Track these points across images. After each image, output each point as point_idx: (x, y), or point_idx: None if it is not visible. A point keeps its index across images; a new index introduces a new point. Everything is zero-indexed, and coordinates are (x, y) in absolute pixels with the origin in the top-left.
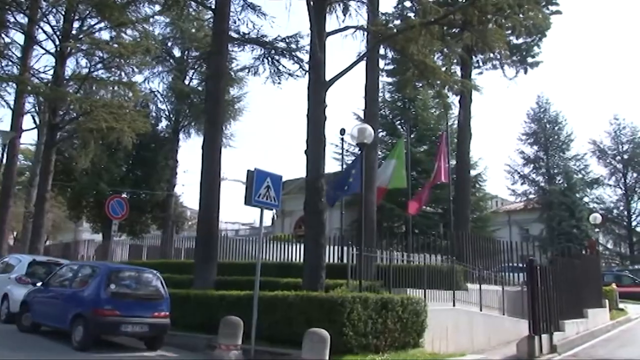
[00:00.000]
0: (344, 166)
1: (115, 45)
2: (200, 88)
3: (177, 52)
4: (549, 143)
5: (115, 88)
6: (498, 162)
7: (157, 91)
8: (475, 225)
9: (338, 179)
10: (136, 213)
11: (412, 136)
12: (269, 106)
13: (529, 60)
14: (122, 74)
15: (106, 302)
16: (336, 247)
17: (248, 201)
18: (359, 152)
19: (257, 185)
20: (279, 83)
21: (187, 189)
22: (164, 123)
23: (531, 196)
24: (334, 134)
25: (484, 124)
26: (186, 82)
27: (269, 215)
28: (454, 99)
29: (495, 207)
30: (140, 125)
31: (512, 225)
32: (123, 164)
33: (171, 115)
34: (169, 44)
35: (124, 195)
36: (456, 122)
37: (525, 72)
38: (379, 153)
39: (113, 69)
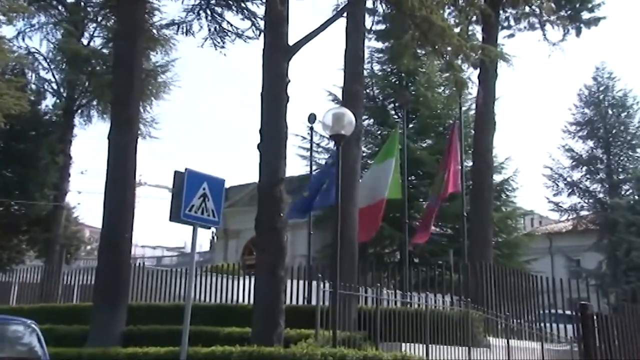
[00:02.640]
0: (314, 167)
1: None
2: (105, 51)
3: None
4: (611, 137)
5: None
6: (534, 164)
7: (38, 52)
8: (500, 254)
9: (305, 186)
10: (3, 233)
11: (410, 126)
12: (209, 80)
13: (585, 15)
14: None
15: None
16: (301, 282)
17: (175, 216)
18: (335, 147)
19: (189, 192)
20: (223, 47)
21: (86, 199)
22: (49, 101)
23: (584, 213)
24: (299, 122)
25: (514, 110)
26: (84, 41)
27: (205, 235)
28: (471, 74)
29: (530, 227)
30: (11, 103)
31: (555, 254)
32: None
33: (61, 90)
34: None
35: None
36: (473, 106)
37: (578, 33)
38: (364, 150)
39: None
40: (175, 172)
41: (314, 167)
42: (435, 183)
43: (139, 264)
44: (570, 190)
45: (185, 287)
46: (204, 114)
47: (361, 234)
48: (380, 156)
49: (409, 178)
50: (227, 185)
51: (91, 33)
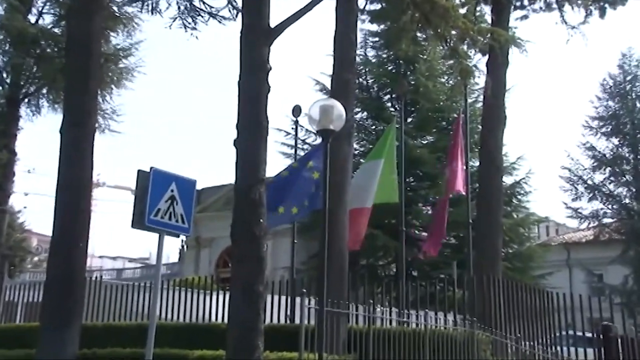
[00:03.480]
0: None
1: None
2: (57, 30)
3: None
4: (639, 133)
5: None
6: (550, 164)
7: None
8: (511, 266)
9: (288, 188)
10: None
11: (408, 120)
12: (179, 68)
13: None
14: None
15: None
16: (283, 298)
17: (138, 222)
18: (322, 144)
19: (155, 195)
20: (194, 28)
21: (34, 201)
22: None
23: (607, 220)
24: (282, 115)
25: (527, 103)
26: (31, 18)
27: (173, 245)
28: (478, 61)
29: (545, 236)
30: None
31: (573, 267)
32: None
33: (4, 75)
34: None
35: None
36: (481, 98)
37: (602, 14)
38: (356, 147)
39: None
40: (139, 171)
41: None
42: (442, 185)
43: (96, 277)
44: (591, 195)
45: (150, 303)
46: (174, 106)
47: (350, 240)
48: (370, 154)
49: (407, 179)
50: (199, 186)
51: (40, 9)
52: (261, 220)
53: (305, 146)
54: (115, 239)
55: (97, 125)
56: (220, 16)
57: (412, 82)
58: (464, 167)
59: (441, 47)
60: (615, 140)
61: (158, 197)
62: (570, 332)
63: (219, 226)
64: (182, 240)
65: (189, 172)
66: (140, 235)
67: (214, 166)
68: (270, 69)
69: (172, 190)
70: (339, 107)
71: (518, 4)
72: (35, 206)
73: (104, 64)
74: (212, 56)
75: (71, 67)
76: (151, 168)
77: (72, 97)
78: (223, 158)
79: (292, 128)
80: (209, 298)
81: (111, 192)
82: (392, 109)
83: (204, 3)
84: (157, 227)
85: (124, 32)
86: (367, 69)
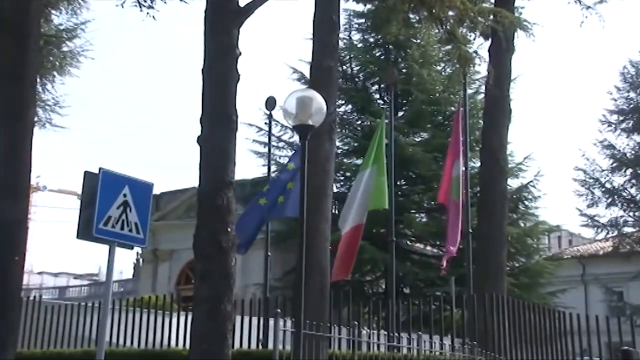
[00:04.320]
0: (274, 168)
1: None
2: None
3: None
4: None
5: None
6: (562, 165)
7: None
8: (517, 283)
9: (261, 193)
10: None
11: (400, 114)
12: (134, 53)
13: None
14: None
15: None
16: (255, 320)
17: (85, 232)
18: (300, 142)
19: (105, 200)
20: (151, 7)
21: None
22: None
23: (628, 230)
24: (254, 108)
25: (536, 95)
26: None
27: (126, 258)
28: (479, 47)
29: (557, 248)
30: None
31: (589, 283)
32: None
33: None
34: None
35: None
36: (483, 89)
37: None
38: (339, 145)
39: None
40: (86, 172)
41: (273, 168)
42: (431, 187)
43: (34, 296)
44: (609, 200)
45: (98, 327)
46: (129, 98)
47: (337, 270)
48: (364, 162)
49: (397, 182)
50: (156, 190)
51: None
52: (229, 230)
53: (281, 144)
54: (57, 252)
55: (36, 118)
56: None
57: (404, 71)
58: (464, 169)
59: (437, 31)
60: (638, 137)
61: (108, 203)
62: (586, 358)
63: (180, 237)
64: (137, 253)
65: (145, 174)
66: (87, 248)
67: (174, 167)
68: (240, 54)
69: (124, 195)
70: (318, 99)
71: None
72: None
73: (44, 46)
74: (172, 40)
75: (4, 51)
76: (100, 169)
77: (5, 86)
78: (185, 158)
79: (266, 123)
80: (168, 320)
81: (53, 197)
82: (380, 101)
83: None
84: (107, 237)
85: (68, 10)
86: (351, 55)
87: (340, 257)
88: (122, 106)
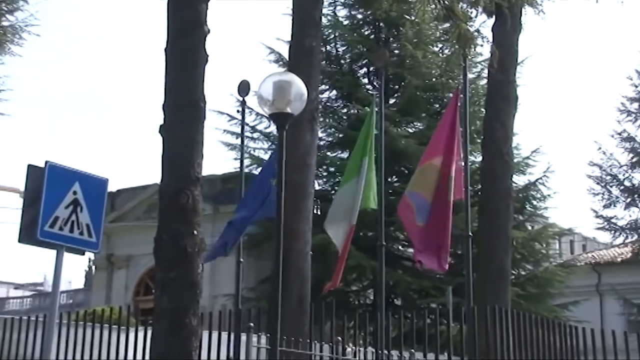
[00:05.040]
0: (247, 162)
1: None
2: None
3: None
4: None
5: None
6: (575, 160)
7: None
8: (523, 293)
9: (233, 191)
10: None
11: (391, 102)
12: (86, 29)
13: None
14: None
15: None
16: (224, 335)
17: (28, 235)
18: (277, 132)
19: (51, 199)
20: None
21: None
22: None
23: None
24: (224, 94)
25: (545, 80)
26: None
27: (77, 265)
28: (482, 25)
29: (569, 254)
30: None
31: (605, 294)
32: None
33: None
34: None
35: None
36: (485, 73)
37: None
38: (322, 136)
39: None
40: (30, 166)
41: (246, 162)
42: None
43: None
44: (628, 200)
45: (43, 343)
46: (81, 82)
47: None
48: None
49: (388, 179)
50: (112, 187)
51: None
52: (195, 233)
53: (255, 134)
54: None
55: None
56: None
57: (396, 52)
58: (462, 164)
59: (433, 6)
60: None
61: (56, 202)
62: None
63: (139, 240)
64: (89, 260)
65: (99, 168)
66: (30, 253)
67: (133, 161)
68: (208, 31)
69: (74, 193)
70: (298, 84)
71: None
72: None
73: None
74: (131, 15)
75: None
76: (46, 163)
77: None
78: (146, 150)
79: (238, 111)
80: (124, 336)
81: None
82: (369, 87)
83: None
84: (54, 241)
85: None
86: (336, 34)
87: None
88: (74, 91)
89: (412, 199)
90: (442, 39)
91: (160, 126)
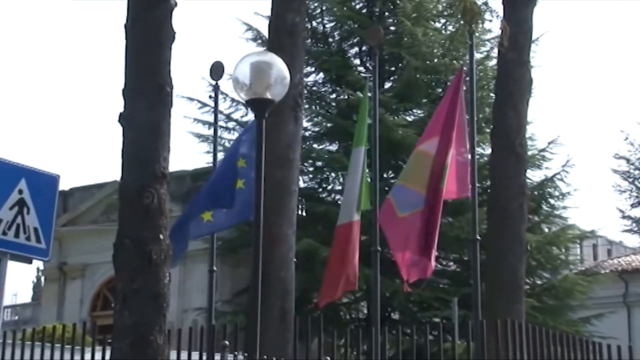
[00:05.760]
0: (221, 155)
1: None
2: None
3: None
4: None
5: None
6: (598, 153)
7: None
8: (539, 305)
9: (206, 190)
10: None
11: (387, 86)
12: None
13: None
14: None
15: None
16: (195, 355)
17: None
18: (255, 121)
19: None
20: None
21: None
22: None
23: None
24: (195, 77)
25: (563, 61)
26: None
27: (24, 275)
28: None
29: (592, 260)
30: None
31: (634, 306)
32: None
33: None
34: None
35: None
36: (494, 53)
37: None
38: (307, 125)
39: None
40: None
41: (220, 155)
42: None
43: None
44: None
45: None
46: (34, 65)
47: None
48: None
49: (384, 175)
50: (64, 186)
51: None
52: (161, 237)
53: (231, 124)
54: None
55: None
56: None
57: (392, 29)
58: (469, 157)
59: None
60: None
61: None
62: None
63: (97, 247)
64: (38, 269)
65: (49, 164)
66: None
67: (88, 155)
68: (175, 4)
69: (20, 192)
70: (280, 66)
71: None
72: None
73: None
74: None
75: None
76: None
77: None
78: (103, 142)
79: (211, 97)
80: (79, 357)
81: None
82: (361, 69)
83: None
84: None
85: None
86: (323, 8)
87: (328, 271)
88: (28, 74)
89: (395, 197)
90: (445, 13)
91: (120, 114)
